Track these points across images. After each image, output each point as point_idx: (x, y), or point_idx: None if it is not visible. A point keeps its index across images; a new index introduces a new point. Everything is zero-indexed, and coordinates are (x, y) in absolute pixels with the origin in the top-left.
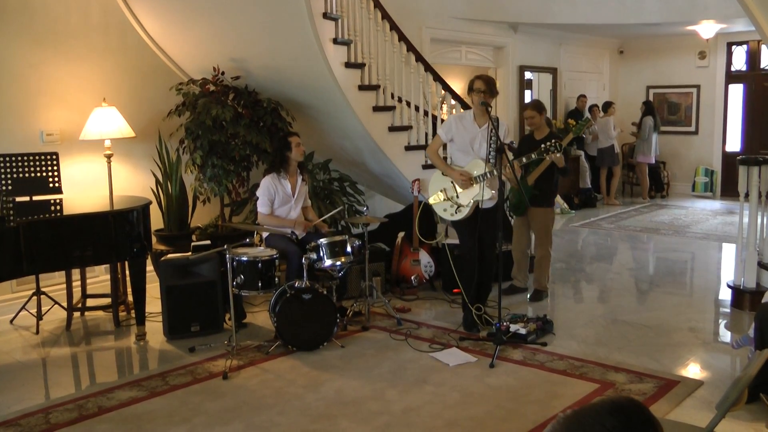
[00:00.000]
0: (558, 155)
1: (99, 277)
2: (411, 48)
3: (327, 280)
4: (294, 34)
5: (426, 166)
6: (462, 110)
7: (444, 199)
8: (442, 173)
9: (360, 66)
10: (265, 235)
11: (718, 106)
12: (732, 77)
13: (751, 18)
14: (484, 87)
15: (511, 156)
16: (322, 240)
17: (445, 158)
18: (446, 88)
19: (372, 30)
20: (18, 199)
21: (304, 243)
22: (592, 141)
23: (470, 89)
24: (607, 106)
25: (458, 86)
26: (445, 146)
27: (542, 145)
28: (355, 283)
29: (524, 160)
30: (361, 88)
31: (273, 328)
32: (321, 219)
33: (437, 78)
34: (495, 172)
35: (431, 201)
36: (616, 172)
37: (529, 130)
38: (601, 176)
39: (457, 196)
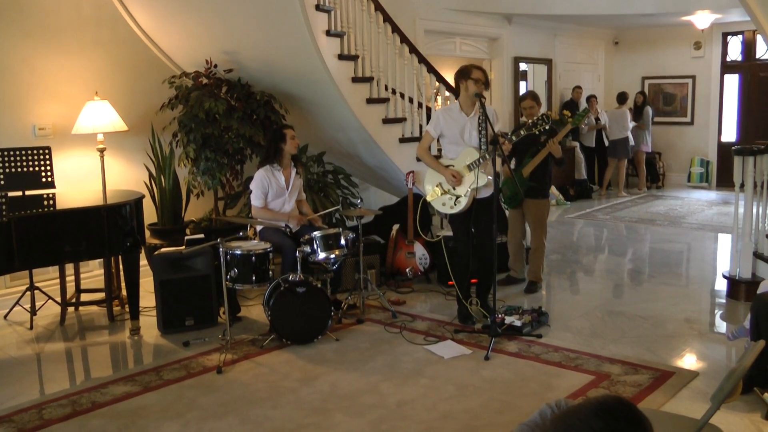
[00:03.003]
0: (556, 146)
1: (93, 272)
2: (404, 40)
3: (321, 273)
4: (286, 26)
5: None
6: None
7: (441, 193)
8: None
9: (353, 58)
10: (259, 228)
11: (714, 96)
12: (727, 67)
13: (745, 8)
14: (484, 78)
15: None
16: (315, 233)
17: (439, 150)
18: (440, 79)
19: (365, 22)
20: (10, 194)
21: (298, 236)
22: (587, 131)
23: (467, 76)
24: (623, 97)
25: (452, 78)
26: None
27: (530, 120)
28: (350, 275)
29: (514, 138)
30: (355, 80)
31: (267, 321)
32: (317, 215)
33: (431, 70)
34: (488, 157)
35: (429, 198)
36: (623, 165)
37: (523, 121)
38: (609, 168)
39: (454, 188)
